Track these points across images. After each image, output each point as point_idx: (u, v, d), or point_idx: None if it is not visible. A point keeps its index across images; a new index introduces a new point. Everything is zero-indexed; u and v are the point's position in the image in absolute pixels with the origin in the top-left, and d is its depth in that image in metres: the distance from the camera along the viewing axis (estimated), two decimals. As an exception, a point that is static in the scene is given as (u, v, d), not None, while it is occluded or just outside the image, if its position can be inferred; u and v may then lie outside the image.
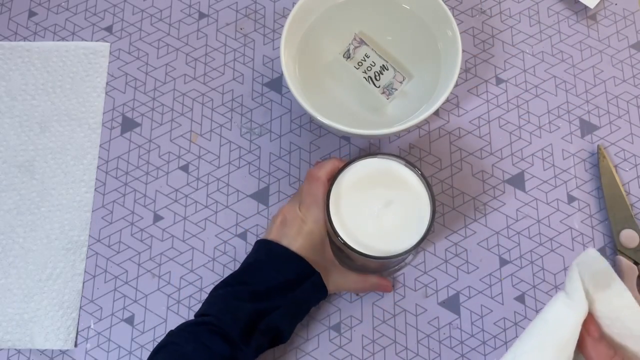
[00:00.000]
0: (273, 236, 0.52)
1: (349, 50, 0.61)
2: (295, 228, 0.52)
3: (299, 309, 0.53)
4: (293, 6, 0.58)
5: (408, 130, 0.63)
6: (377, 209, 0.50)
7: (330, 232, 0.51)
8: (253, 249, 0.54)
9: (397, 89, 0.60)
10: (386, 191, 0.51)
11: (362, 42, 0.61)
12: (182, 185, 0.62)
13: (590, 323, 0.41)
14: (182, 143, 0.64)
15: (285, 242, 0.51)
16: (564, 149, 0.63)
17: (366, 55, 0.60)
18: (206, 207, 0.62)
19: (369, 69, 0.60)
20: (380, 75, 0.60)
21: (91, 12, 0.68)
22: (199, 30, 0.67)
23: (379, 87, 0.60)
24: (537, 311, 0.58)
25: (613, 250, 0.60)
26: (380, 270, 0.59)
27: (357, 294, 0.59)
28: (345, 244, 0.48)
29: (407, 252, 0.49)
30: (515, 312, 0.58)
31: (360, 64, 0.61)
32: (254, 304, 0.49)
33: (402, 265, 0.59)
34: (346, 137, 0.64)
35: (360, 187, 0.51)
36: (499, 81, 0.65)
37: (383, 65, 0.60)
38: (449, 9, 0.57)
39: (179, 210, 0.62)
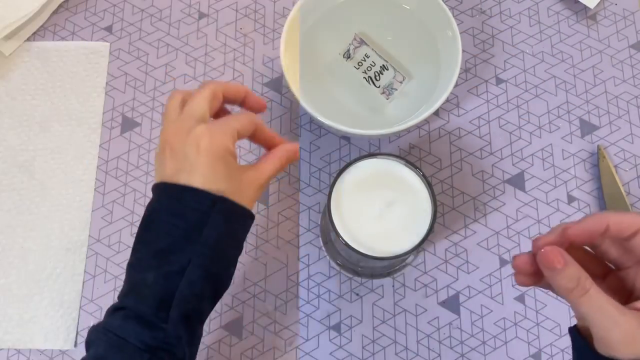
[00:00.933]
0: (167, 175, 0.42)
1: (349, 50, 0.61)
2: (193, 152, 0.41)
3: (221, 249, 0.42)
4: (293, 6, 0.58)
5: (408, 130, 0.63)
6: (379, 209, 0.50)
7: (333, 234, 0.51)
8: (152, 196, 0.44)
9: (397, 89, 0.60)
10: (387, 192, 0.51)
11: (362, 42, 0.61)
12: (182, 185, 0.62)
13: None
14: (182, 143, 0.63)
15: (183, 179, 0.41)
16: (564, 149, 0.63)
17: (366, 56, 0.60)
18: (206, 207, 0.62)
19: (369, 69, 0.61)
20: (380, 75, 0.60)
21: (91, 12, 0.68)
22: (199, 30, 0.67)
23: (378, 87, 0.60)
24: (537, 311, 0.58)
25: (613, 250, 0.60)
26: (382, 271, 0.59)
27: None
28: (347, 244, 0.48)
29: (409, 253, 0.49)
30: (515, 312, 0.58)
31: (360, 64, 0.61)
32: (160, 269, 0.40)
33: (403, 266, 0.59)
34: (346, 137, 0.64)
35: (361, 188, 0.50)
36: (499, 81, 0.65)
37: (383, 65, 0.60)
38: (449, 9, 0.57)
39: (179, 210, 0.61)
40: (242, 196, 0.43)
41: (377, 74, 0.60)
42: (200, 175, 0.41)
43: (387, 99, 0.60)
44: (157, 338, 0.39)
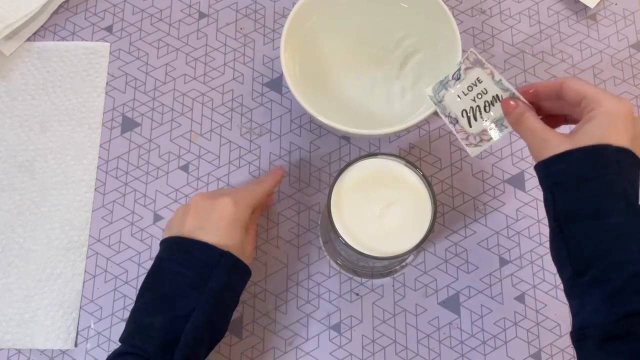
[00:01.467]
0: (186, 230, 0.49)
1: (459, 70, 0.51)
2: (216, 216, 0.49)
3: (223, 298, 0.48)
4: (293, 6, 0.58)
5: (408, 130, 0.63)
6: (379, 209, 0.50)
7: (333, 233, 0.51)
8: (160, 248, 0.51)
9: (507, 127, 0.49)
10: (387, 192, 0.51)
11: (477, 62, 0.50)
12: (182, 185, 0.62)
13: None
14: (182, 143, 0.64)
15: (200, 236, 0.48)
16: (564, 149, 0.63)
17: (478, 80, 0.50)
18: (206, 207, 0.62)
19: (479, 96, 0.50)
20: (491, 106, 0.49)
21: (91, 12, 0.68)
22: (199, 30, 0.67)
23: (486, 120, 0.49)
24: (537, 311, 0.58)
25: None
26: (382, 271, 0.59)
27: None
28: (347, 244, 0.48)
29: (409, 253, 0.49)
30: (515, 312, 0.58)
31: (470, 88, 0.50)
32: (166, 314, 0.45)
33: (403, 266, 0.59)
34: (346, 137, 0.64)
35: (361, 188, 0.51)
36: (499, 81, 0.65)
37: (496, 95, 0.49)
38: (449, 9, 0.57)
39: (179, 210, 0.61)
40: (243, 255, 0.50)
41: (487, 104, 0.49)
42: (217, 235, 0.48)
43: (495, 136, 0.49)
44: None
